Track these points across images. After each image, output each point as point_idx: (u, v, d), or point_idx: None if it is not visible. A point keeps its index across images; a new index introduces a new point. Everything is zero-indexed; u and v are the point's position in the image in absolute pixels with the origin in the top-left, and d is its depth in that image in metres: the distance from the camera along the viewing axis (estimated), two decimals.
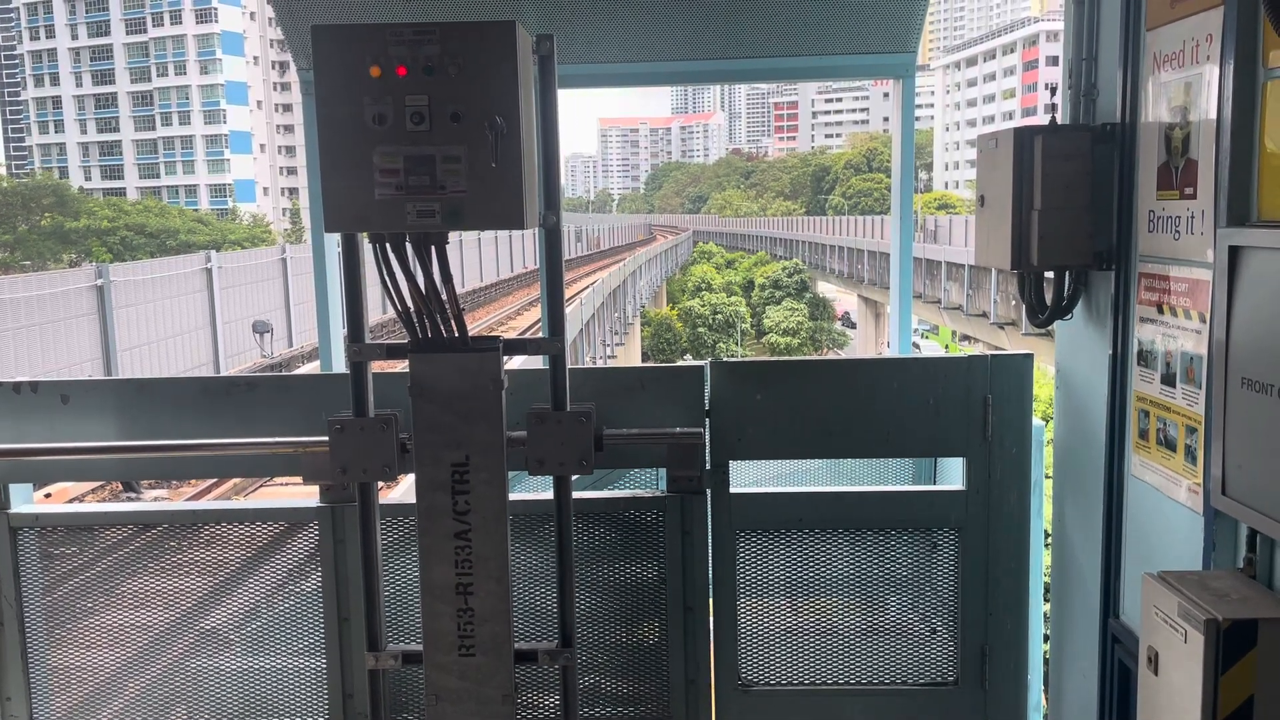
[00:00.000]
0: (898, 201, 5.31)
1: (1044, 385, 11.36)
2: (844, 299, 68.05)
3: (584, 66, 5.20)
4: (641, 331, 50.91)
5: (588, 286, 34.64)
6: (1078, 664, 3.56)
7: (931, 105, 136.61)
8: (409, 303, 2.87)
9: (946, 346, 40.59)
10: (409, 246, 2.81)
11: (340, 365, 5.08)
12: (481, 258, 43.13)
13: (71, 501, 11.35)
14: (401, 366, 3.01)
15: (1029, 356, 3.35)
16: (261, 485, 14.48)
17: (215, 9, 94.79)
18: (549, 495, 3.13)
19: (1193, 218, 2.77)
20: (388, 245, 2.82)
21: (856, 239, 54.84)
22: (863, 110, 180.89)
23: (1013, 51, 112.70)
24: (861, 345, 56.47)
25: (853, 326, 64.76)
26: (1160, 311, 2.96)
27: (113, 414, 3.36)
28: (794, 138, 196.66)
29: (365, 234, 2.87)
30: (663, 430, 3.28)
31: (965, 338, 39.98)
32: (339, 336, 5.27)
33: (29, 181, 69.19)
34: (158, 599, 3.43)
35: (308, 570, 3.41)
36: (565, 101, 3.51)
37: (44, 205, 60.21)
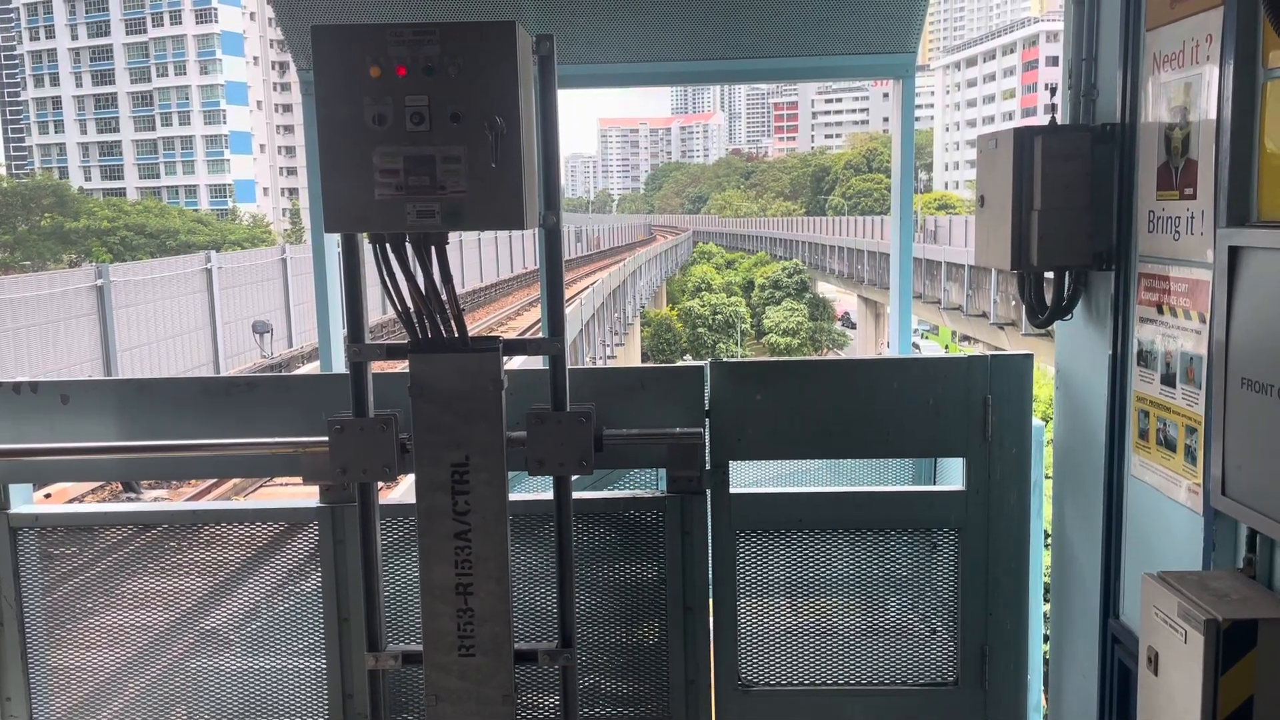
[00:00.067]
0: (898, 202, 5.31)
1: (1044, 385, 11.35)
2: (844, 299, 68.03)
3: (584, 66, 5.20)
4: (641, 332, 50.91)
5: (587, 287, 34.64)
6: (1078, 664, 3.56)
7: (931, 105, 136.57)
8: (409, 303, 2.87)
9: (946, 347, 40.59)
10: (409, 247, 2.81)
11: (340, 365, 5.08)
12: (481, 258, 43.12)
13: (71, 502, 11.35)
14: (401, 367, 3.01)
15: (1029, 357, 3.34)
16: (261, 485, 14.47)
17: (215, 9, 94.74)
18: (549, 495, 3.13)
19: (1192, 218, 2.77)
20: (388, 245, 2.82)
21: (856, 239, 54.83)
22: (863, 110, 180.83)
23: (1013, 52, 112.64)
24: (861, 346, 56.45)
25: (852, 327, 64.73)
26: (1160, 312, 2.96)
27: (113, 414, 3.36)
28: (794, 138, 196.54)
29: (365, 234, 2.87)
30: (662, 430, 3.28)
31: (965, 338, 39.98)
32: (339, 337, 5.27)
33: (29, 182, 69.14)
34: (158, 599, 3.43)
35: (308, 570, 3.41)
36: (565, 101, 3.52)
37: (44, 205, 60.19)
